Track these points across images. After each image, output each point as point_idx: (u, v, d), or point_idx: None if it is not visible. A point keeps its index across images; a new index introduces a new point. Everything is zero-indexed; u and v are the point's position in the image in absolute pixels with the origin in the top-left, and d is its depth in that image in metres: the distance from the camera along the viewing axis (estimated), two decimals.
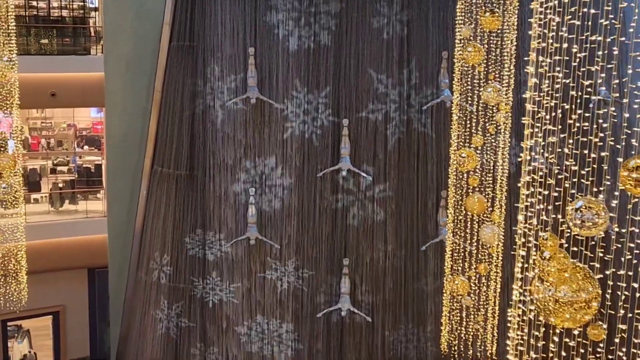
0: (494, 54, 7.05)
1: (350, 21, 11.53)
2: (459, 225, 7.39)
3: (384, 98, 11.48)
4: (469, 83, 7.12)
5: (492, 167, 7.19)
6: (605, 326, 4.44)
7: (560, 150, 4.38)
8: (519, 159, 4.38)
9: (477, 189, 7.15)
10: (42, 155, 18.76)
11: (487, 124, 7.23)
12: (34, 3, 16.60)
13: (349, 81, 11.50)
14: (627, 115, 3.94)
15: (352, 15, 11.51)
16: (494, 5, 6.75)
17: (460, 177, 7.26)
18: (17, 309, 10.08)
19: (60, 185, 16.54)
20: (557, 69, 4.16)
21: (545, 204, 4.47)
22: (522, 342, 4.66)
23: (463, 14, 7.01)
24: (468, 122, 7.26)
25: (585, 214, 4.03)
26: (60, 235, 15.23)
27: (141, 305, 12.78)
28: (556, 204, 4.20)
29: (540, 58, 4.03)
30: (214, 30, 11.76)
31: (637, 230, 4.61)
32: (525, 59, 4.10)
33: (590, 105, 4.13)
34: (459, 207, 7.34)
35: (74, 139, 20.78)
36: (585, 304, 4.00)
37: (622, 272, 4.42)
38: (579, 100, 4.46)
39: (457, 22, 7.22)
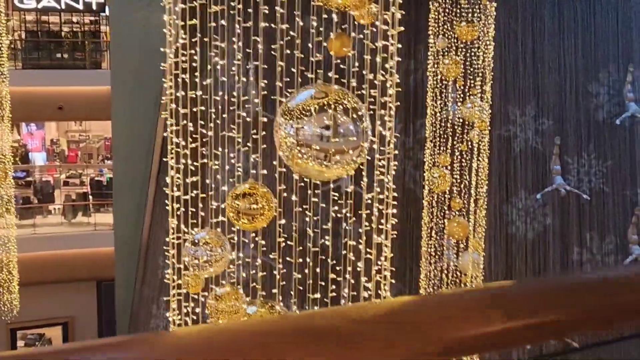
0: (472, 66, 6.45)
1: None
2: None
3: None
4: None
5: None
6: None
7: None
8: None
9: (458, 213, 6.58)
10: (61, 167, 18.71)
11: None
12: (45, 18, 16.62)
13: None
14: None
15: None
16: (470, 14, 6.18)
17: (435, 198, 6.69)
18: (8, 319, 9.89)
19: (73, 197, 16.41)
20: None
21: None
22: None
23: (436, 23, 6.44)
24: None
25: (198, 249, 3.25)
26: (70, 247, 15.01)
27: (145, 320, 12.42)
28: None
29: None
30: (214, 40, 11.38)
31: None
32: None
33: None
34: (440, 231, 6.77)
35: (104, 151, 20.74)
36: None
37: None
38: None
39: (430, 32, 6.64)
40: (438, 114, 6.69)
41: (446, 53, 6.43)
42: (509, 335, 0.72)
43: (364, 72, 3.48)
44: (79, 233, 15.22)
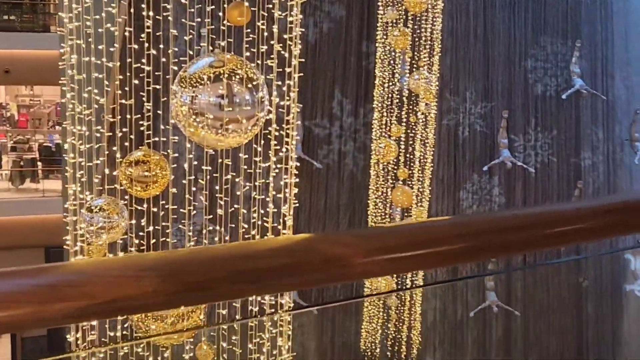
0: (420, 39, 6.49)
1: None
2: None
3: None
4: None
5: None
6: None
7: None
8: None
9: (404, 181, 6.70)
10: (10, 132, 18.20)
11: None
12: None
13: None
14: None
15: None
16: None
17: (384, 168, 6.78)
18: None
19: (21, 163, 16.02)
20: None
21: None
22: None
23: None
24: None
25: (94, 215, 3.38)
26: (17, 214, 14.70)
27: None
28: None
29: None
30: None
31: None
32: None
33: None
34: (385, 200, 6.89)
35: (55, 116, 20.27)
36: (183, 315, 3.23)
37: None
38: None
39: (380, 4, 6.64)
40: (386, 85, 6.76)
41: (395, 25, 6.48)
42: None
43: (272, 42, 3.52)
44: (27, 199, 14.90)
